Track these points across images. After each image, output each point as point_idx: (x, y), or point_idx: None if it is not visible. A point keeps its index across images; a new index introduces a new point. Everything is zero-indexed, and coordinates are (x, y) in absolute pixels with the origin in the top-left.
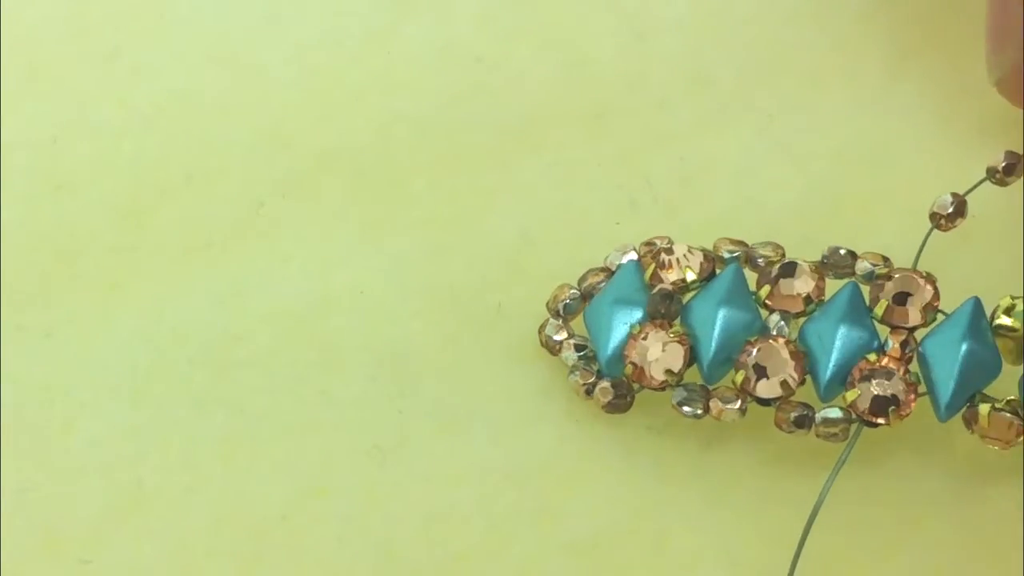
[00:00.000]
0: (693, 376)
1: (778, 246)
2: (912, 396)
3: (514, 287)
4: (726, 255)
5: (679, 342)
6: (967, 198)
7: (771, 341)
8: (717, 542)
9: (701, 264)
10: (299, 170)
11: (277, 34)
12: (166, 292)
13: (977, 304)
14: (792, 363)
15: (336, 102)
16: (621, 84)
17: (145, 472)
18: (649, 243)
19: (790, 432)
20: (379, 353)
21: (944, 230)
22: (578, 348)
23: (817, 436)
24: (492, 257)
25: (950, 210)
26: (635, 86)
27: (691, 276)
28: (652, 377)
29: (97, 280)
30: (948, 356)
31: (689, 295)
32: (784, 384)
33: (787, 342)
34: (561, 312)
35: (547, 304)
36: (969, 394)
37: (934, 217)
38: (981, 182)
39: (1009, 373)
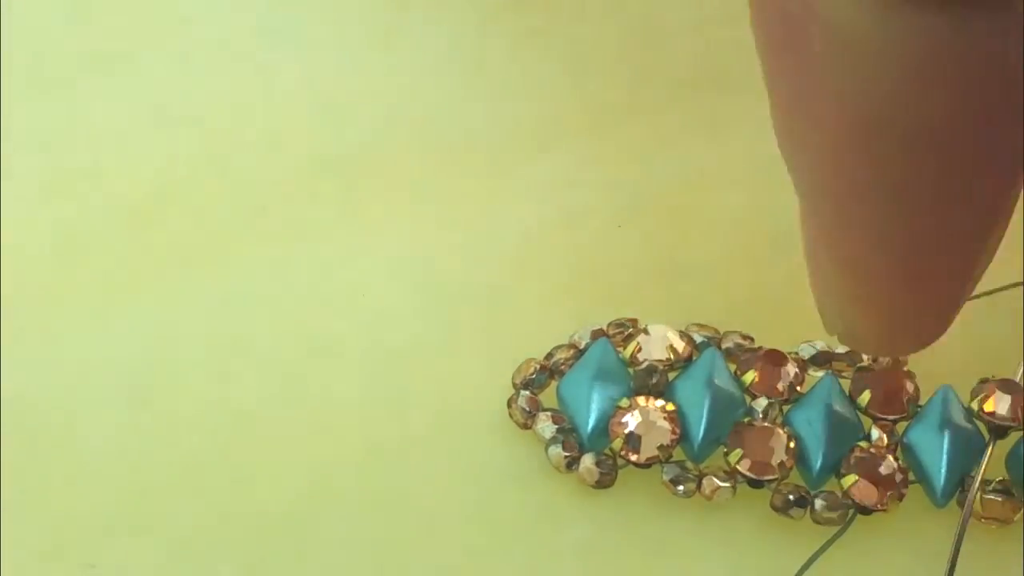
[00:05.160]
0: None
1: (747, 335)
2: (905, 480)
3: (516, 289)
4: (697, 339)
5: (668, 418)
6: None
7: (766, 424)
8: (719, 547)
9: (683, 346)
10: (300, 173)
11: (278, 38)
12: (167, 295)
13: (949, 391)
14: (788, 447)
15: (337, 105)
16: (624, 86)
17: (148, 475)
18: (619, 324)
19: (786, 513)
20: (380, 355)
21: None
22: (555, 421)
23: (814, 520)
24: (493, 259)
25: None
26: (638, 88)
27: (673, 356)
28: (642, 452)
29: (98, 284)
30: (933, 444)
31: (671, 375)
32: (781, 466)
33: (782, 427)
34: (529, 386)
35: (512, 378)
36: (960, 477)
37: None
38: None
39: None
